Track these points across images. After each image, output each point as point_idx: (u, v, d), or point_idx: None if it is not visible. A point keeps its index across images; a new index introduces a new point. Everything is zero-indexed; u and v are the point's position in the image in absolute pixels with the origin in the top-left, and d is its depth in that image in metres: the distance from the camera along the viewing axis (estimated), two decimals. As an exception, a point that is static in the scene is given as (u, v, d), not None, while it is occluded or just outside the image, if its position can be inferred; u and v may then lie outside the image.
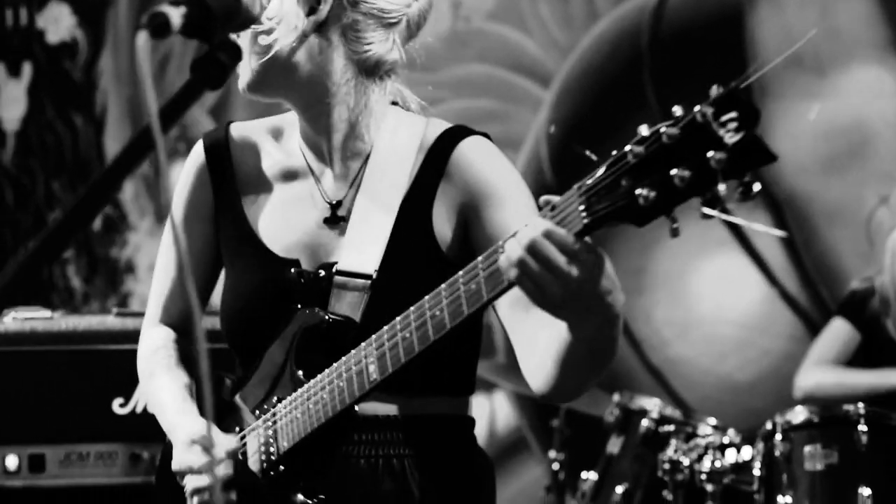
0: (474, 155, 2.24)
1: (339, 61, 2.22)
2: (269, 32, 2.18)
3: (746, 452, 3.94)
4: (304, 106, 2.27)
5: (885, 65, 5.24)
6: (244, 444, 2.26)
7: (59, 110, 6.55)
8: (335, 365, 2.12)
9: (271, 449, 2.21)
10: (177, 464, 2.24)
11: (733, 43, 5.38)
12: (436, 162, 2.24)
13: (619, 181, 1.68)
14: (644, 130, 1.67)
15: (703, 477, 3.91)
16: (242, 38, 2.16)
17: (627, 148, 1.67)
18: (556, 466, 4.57)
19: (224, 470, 2.20)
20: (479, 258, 1.89)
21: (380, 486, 2.20)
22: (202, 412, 2.28)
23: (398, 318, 2.03)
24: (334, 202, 2.27)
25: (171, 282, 2.40)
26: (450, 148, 2.24)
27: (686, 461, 3.97)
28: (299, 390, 2.18)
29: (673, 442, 4.09)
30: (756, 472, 3.82)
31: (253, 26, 2.05)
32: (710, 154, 1.60)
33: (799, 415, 3.78)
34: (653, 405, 4.21)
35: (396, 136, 2.27)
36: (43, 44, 6.58)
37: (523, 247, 1.77)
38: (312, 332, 2.19)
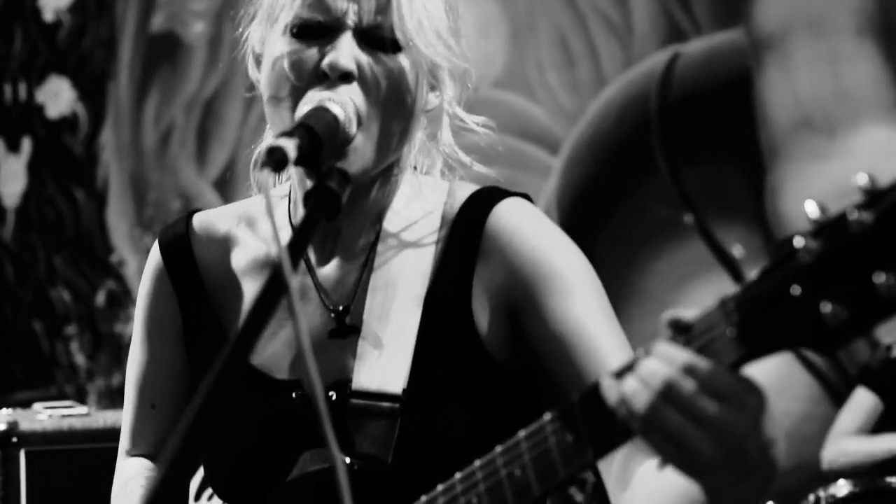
0: (515, 223, 1.74)
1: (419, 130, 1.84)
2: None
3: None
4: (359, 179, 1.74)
5: (894, 125, 5.26)
6: None
7: (59, 185, 6.50)
8: None
9: None
10: None
11: (742, 106, 5.38)
12: (465, 236, 1.75)
13: (787, 290, 1.16)
14: (813, 210, 1.17)
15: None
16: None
17: (797, 241, 1.16)
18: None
19: None
20: (575, 396, 1.33)
21: None
22: None
23: (457, 476, 1.44)
24: (340, 308, 1.75)
25: (135, 410, 1.93)
26: (481, 216, 1.75)
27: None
28: None
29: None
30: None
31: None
32: None
33: (842, 488, 3.77)
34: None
35: (410, 207, 1.80)
36: (42, 118, 6.53)
37: (654, 390, 1.24)
38: (325, 482, 1.64)
